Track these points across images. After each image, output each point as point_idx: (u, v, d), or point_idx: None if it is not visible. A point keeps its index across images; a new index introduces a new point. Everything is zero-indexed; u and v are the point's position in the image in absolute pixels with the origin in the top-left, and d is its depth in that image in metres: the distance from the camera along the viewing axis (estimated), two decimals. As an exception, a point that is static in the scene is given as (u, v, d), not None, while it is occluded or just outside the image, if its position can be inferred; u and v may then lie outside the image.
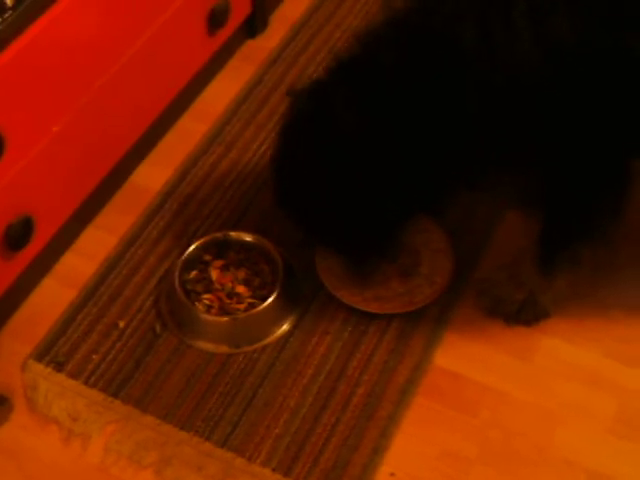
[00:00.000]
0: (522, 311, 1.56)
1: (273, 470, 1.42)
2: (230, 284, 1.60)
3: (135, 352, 1.56)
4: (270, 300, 1.55)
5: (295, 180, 1.47)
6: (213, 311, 1.57)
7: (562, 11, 1.22)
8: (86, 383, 1.53)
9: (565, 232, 1.47)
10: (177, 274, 1.58)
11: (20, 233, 1.50)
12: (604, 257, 1.53)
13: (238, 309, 1.57)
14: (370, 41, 1.37)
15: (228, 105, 1.96)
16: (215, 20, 1.86)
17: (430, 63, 1.29)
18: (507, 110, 1.28)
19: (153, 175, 1.83)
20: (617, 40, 1.23)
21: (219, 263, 1.63)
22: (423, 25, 1.31)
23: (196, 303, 1.58)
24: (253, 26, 2.09)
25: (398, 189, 1.40)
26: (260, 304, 1.56)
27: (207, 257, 1.64)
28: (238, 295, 1.59)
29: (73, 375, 1.54)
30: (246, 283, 1.61)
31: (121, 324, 1.60)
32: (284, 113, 1.47)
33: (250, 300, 1.58)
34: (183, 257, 1.61)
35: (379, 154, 1.36)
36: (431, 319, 1.58)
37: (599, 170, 1.37)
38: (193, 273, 1.62)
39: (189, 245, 1.64)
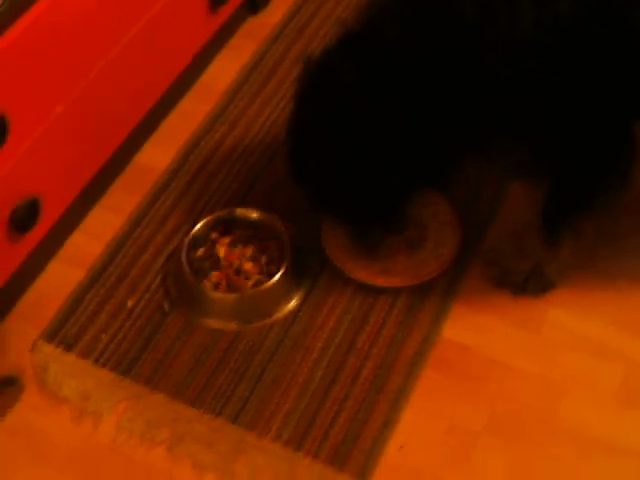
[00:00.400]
0: (529, 282, 1.56)
1: (284, 445, 1.43)
2: (237, 261, 1.61)
3: (144, 331, 1.57)
4: (278, 276, 1.56)
5: (304, 149, 1.48)
6: (221, 288, 1.58)
7: None
8: (96, 363, 1.53)
9: (569, 202, 1.47)
10: (184, 252, 1.59)
11: (27, 215, 1.51)
12: (606, 227, 1.53)
13: (246, 286, 1.58)
14: (375, 13, 1.36)
15: (230, 84, 1.95)
16: (216, -3, 1.86)
17: (434, 36, 1.29)
18: (510, 82, 1.28)
19: (158, 155, 1.83)
20: (618, 14, 1.23)
21: (226, 240, 1.64)
22: None
23: (204, 281, 1.58)
24: (255, 2, 2.07)
25: (404, 161, 1.40)
26: (268, 280, 1.56)
27: (214, 235, 1.64)
28: (246, 272, 1.60)
29: (83, 355, 1.54)
30: (253, 259, 1.61)
31: (129, 303, 1.60)
32: (295, 82, 1.46)
33: (258, 276, 1.59)
34: (190, 235, 1.61)
35: (384, 127, 1.36)
36: (439, 292, 1.59)
37: (602, 138, 1.37)
38: (200, 251, 1.63)
39: (196, 223, 1.64)
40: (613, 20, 1.24)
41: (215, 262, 1.61)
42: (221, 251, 1.62)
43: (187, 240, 1.60)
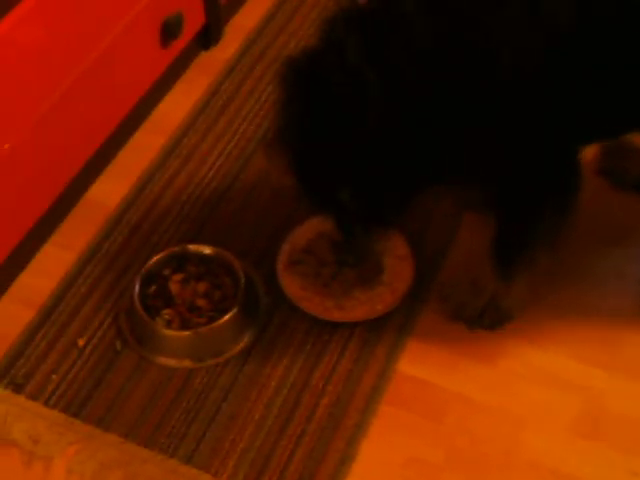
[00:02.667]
0: (484, 316, 1.56)
1: (239, 485, 1.40)
2: (190, 298, 1.58)
3: (96, 370, 1.54)
4: (231, 313, 1.54)
5: (305, 148, 1.35)
6: (174, 326, 1.56)
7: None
8: (46, 404, 1.50)
9: (519, 234, 1.47)
10: (136, 289, 1.56)
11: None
12: (559, 259, 1.54)
13: (199, 323, 1.56)
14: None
15: (184, 118, 1.94)
16: (168, 32, 1.85)
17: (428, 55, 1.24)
18: (512, 90, 1.25)
19: (110, 191, 1.81)
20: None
21: (179, 277, 1.61)
22: None
23: (156, 318, 1.56)
24: (208, 37, 2.07)
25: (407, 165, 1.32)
26: (221, 317, 1.54)
27: (166, 271, 1.62)
28: (199, 309, 1.57)
29: (33, 396, 1.51)
30: (207, 296, 1.59)
31: (81, 342, 1.57)
32: (278, 82, 1.35)
33: (211, 313, 1.57)
34: (142, 272, 1.59)
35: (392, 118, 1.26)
36: (394, 326, 1.58)
37: (547, 164, 1.37)
38: (153, 288, 1.60)
39: (148, 260, 1.62)
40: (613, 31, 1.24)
41: (168, 299, 1.59)
42: (174, 288, 1.59)
43: (139, 277, 1.58)
